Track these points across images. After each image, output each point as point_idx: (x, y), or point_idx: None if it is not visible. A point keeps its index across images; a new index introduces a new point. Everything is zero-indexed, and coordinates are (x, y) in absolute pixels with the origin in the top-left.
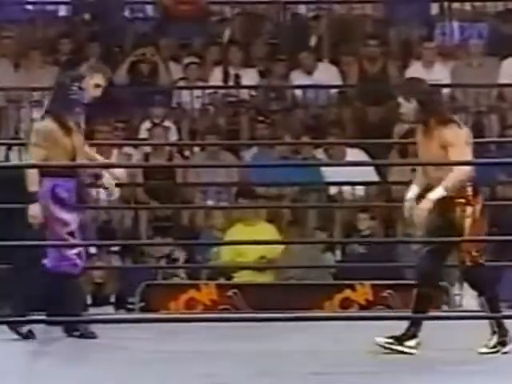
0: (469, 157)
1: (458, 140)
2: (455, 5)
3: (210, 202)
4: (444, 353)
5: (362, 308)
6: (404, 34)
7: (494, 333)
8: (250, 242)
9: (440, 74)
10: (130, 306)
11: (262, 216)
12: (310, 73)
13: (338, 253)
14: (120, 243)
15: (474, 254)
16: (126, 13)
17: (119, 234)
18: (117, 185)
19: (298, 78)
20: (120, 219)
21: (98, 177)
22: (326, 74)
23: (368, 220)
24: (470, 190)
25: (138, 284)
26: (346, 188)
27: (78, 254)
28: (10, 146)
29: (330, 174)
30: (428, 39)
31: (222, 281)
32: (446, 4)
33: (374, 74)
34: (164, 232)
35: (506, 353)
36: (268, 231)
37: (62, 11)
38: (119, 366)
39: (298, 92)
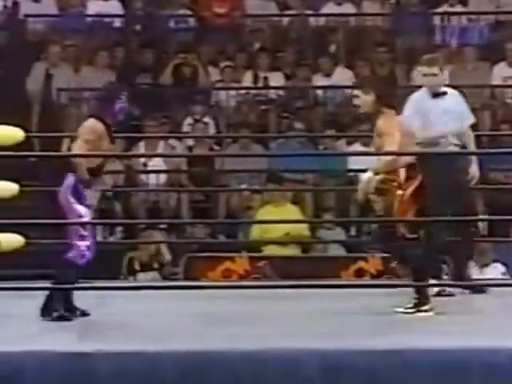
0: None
1: (389, 129)
2: (453, 16)
3: (243, 186)
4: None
5: (374, 277)
6: (409, 42)
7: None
8: (278, 221)
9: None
10: (174, 277)
11: (287, 198)
12: (328, 75)
13: (353, 229)
14: (167, 221)
15: (402, 230)
16: (171, 24)
17: (165, 214)
18: (164, 171)
19: (318, 79)
20: (166, 201)
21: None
22: (343, 76)
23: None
24: (402, 175)
25: (181, 256)
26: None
27: (88, 247)
28: (72, 139)
29: (354, 161)
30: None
31: (253, 253)
32: (445, 16)
33: (383, 76)
34: (204, 212)
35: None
36: (293, 211)
37: (117, 23)
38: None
39: (319, 92)
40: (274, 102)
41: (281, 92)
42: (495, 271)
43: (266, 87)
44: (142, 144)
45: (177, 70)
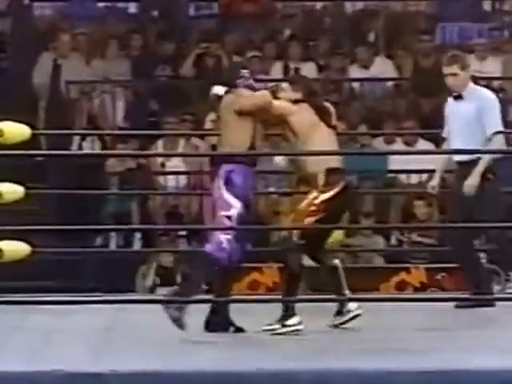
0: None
1: (299, 128)
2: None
3: (271, 189)
4: None
5: (417, 290)
6: (457, 29)
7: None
8: (309, 227)
9: (492, 66)
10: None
11: None
12: (366, 67)
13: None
14: (188, 227)
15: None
16: (192, 10)
17: (186, 220)
18: (185, 172)
19: (355, 71)
20: (187, 205)
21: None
22: (382, 67)
23: (424, 207)
24: (322, 179)
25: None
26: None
27: (229, 241)
28: (83, 136)
29: (394, 161)
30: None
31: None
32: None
33: (427, 67)
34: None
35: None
36: None
37: (132, 8)
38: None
39: (355, 85)
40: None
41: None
42: None
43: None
44: (160, 142)
45: (198, 61)
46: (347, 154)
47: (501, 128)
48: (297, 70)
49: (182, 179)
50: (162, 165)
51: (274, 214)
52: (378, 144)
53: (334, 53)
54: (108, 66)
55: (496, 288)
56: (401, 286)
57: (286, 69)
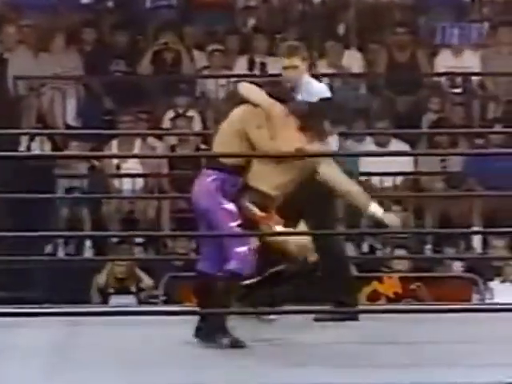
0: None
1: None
2: None
3: None
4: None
5: (391, 301)
6: (433, 21)
7: None
8: (279, 233)
9: (470, 61)
10: (152, 300)
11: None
12: (336, 64)
13: (365, 245)
14: (144, 234)
15: None
16: (149, 1)
17: (142, 225)
18: (141, 175)
19: (324, 66)
20: (143, 210)
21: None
22: (354, 62)
23: (400, 212)
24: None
25: (161, 276)
26: (375, 179)
27: (250, 250)
28: (32, 136)
29: (366, 163)
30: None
31: None
32: None
33: (402, 62)
34: (188, 223)
35: None
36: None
37: None
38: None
39: (325, 81)
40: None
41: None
42: None
43: (263, 75)
44: (114, 143)
45: (157, 56)
46: (321, 155)
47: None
48: (263, 65)
49: (139, 182)
50: (117, 167)
51: None
52: (349, 145)
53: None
54: (58, 61)
55: (475, 297)
56: (373, 297)
57: (251, 64)
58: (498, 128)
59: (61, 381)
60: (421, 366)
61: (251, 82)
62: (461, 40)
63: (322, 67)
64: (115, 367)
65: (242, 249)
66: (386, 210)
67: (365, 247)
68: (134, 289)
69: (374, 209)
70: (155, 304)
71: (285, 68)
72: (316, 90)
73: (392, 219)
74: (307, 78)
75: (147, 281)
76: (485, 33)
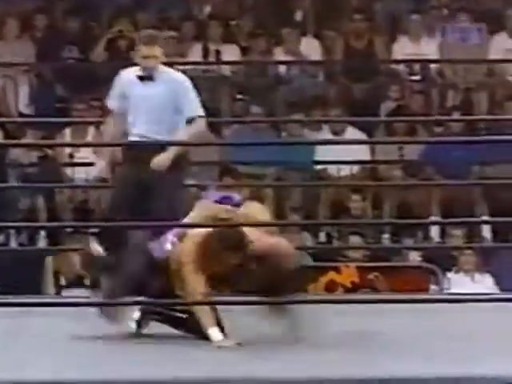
0: None
1: None
2: None
3: (190, 182)
4: None
5: (348, 291)
6: (391, 8)
7: None
8: (231, 225)
9: (428, 49)
10: None
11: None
12: (293, 51)
13: (322, 234)
14: (97, 225)
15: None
16: None
17: (96, 215)
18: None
19: (280, 54)
20: (97, 199)
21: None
22: (310, 49)
23: (360, 201)
24: None
25: None
26: (331, 167)
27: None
28: None
29: (323, 152)
30: (415, 12)
31: None
32: None
33: (359, 49)
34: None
35: None
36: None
37: None
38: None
39: (281, 68)
40: (228, 80)
41: (236, 68)
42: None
43: (218, 62)
44: (67, 131)
45: (111, 43)
46: (274, 144)
47: (201, 111)
48: (218, 52)
49: (92, 171)
50: (71, 155)
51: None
52: (306, 133)
53: (257, 34)
54: (9, 48)
55: (433, 288)
56: (330, 287)
57: (205, 51)
58: (456, 116)
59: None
60: (371, 358)
61: (206, 70)
62: (419, 27)
63: (279, 54)
64: (64, 358)
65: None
66: (344, 198)
67: (322, 236)
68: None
69: None
70: None
71: (144, 57)
72: (175, 78)
73: None
74: (165, 68)
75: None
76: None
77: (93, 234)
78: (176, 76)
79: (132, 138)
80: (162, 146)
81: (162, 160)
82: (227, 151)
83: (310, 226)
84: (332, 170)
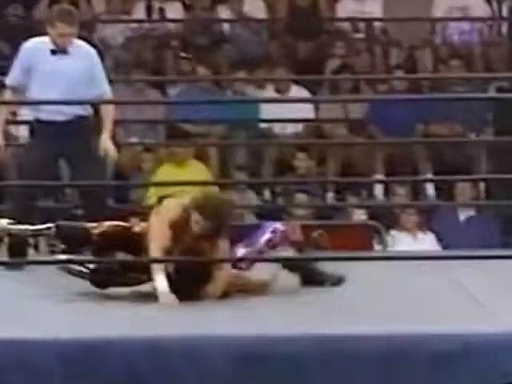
0: None
1: None
2: None
3: (134, 140)
4: None
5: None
6: None
7: None
8: (178, 183)
9: (372, 7)
10: (51, 249)
11: (190, 155)
12: (237, 9)
13: (267, 193)
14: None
15: None
16: None
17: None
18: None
19: (224, 11)
20: None
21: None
22: (253, 6)
23: (305, 160)
24: None
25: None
26: (276, 126)
27: None
28: None
29: (267, 110)
30: None
31: None
32: None
33: (303, 7)
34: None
35: None
36: (200, 172)
37: None
38: None
39: (225, 26)
40: (172, 38)
41: (179, 26)
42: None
43: (162, 20)
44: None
45: (54, 1)
46: (219, 102)
47: (108, 86)
48: (161, 10)
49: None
50: (14, 114)
51: (136, 169)
52: (250, 91)
53: None
54: None
55: (377, 247)
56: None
57: (149, 9)
58: (400, 74)
59: None
60: (316, 317)
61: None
62: None
63: (223, 12)
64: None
65: None
66: (289, 157)
67: (267, 195)
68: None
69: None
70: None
71: (60, 35)
72: (87, 52)
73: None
74: (77, 41)
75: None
76: None
77: None
78: (88, 50)
79: (41, 114)
80: (81, 121)
81: (108, 146)
82: (173, 110)
83: (254, 184)
84: (277, 128)
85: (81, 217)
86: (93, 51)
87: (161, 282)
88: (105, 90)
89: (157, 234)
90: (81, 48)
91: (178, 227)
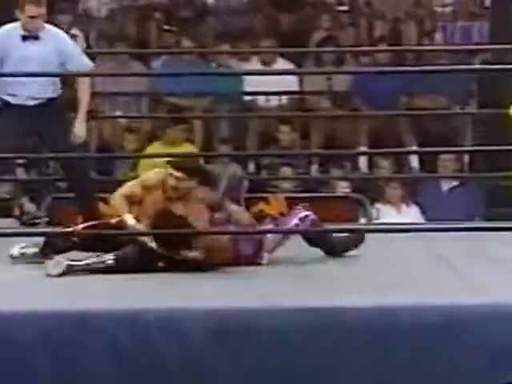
0: None
1: None
2: None
3: (119, 113)
4: None
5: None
6: None
7: None
8: (165, 155)
9: None
10: (35, 221)
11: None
12: None
13: (252, 165)
14: (26, 156)
15: None
16: None
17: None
18: None
19: None
20: None
21: None
22: None
23: (289, 132)
24: None
25: (43, 198)
26: (260, 98)
27: None
28: None
29: (252, 82)
30: None
31: None
32: None
33: None
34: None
35: None
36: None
37: None
38: None
39: None
40: (156, 9)
41: None
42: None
43: None
44: None
45: None
46: (203, 74)
47: (89, 63)
48: None
49: None
50: None
51: (119, 148)
52: (234, 64)
53: None
54: None
55: (362, 220)
56: (259, 217)
57: None
58: (384, 46)
59: None
60: (305, 288)
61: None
62: None
63: None
64: None
65: None
66: (273, 129)
67: (251, 167)
68: (16, 211)
69: None
70: (37, 226)
71: (31, 17)
72: (57, 36)
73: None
74: (47, 26)
75: (29, 204)
76: None
77: (20, 164)
78: (56, 31)
79: (10, 98)
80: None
81: (78, 130)
82: (156, 83)
83: (239, 156)
84: (261, 100)
85: (65, 190)
86: (62, 34)
87: (129, 218)
88: (82, 64)
89: (127, 186)
90: (50, 31)
91: (153, 188)
